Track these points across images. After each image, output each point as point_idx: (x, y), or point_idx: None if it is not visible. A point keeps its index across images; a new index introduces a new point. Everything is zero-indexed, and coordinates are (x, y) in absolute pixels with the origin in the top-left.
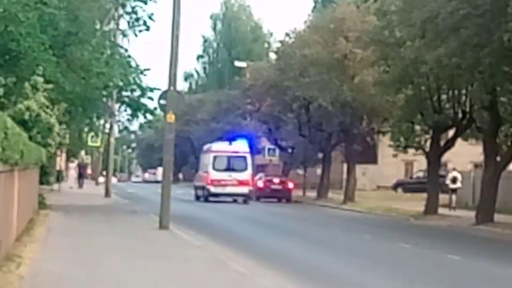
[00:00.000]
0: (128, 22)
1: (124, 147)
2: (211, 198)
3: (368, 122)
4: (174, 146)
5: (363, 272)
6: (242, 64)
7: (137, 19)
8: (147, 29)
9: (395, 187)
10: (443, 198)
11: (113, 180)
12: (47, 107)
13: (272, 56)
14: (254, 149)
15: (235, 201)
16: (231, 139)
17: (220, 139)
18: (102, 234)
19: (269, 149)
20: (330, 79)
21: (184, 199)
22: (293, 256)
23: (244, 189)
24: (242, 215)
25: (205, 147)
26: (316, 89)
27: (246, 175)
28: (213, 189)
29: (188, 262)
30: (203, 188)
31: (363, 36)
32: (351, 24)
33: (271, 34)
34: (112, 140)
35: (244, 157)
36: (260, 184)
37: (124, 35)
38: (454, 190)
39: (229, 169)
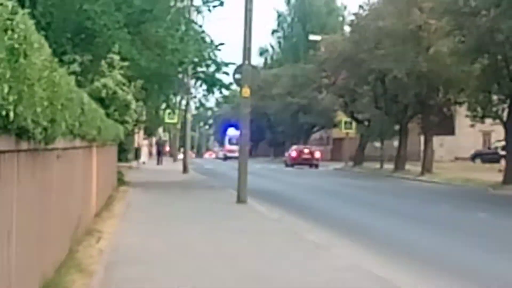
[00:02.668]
0: None
1: (201, 123)
2: (227, 160)
3: (444, 93)
4: (250, 121)
5: (439, 241)
6: (317, 37)
7: None
8: (221, 4)
9: (473, 157)
10: None
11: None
12: (124, 84)
13: (347, 29)
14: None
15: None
16: (237, 127)
17: (232, 126)
18: (180, 209)
19: (345, 122)
20: (405, 50)
21: (261, 174)
22: (369, 226)
23: None
24: (317, 188)
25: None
26: (391, 61)
27: None
28: (228, 155)
29: (265, 234)
30: (224, 154)
31: (438, 6)
32: None
33: (345, 7)
34: (188, 116)
35: None
36: (293, 154)
37: (198, 11)
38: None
39: (236, 144)
